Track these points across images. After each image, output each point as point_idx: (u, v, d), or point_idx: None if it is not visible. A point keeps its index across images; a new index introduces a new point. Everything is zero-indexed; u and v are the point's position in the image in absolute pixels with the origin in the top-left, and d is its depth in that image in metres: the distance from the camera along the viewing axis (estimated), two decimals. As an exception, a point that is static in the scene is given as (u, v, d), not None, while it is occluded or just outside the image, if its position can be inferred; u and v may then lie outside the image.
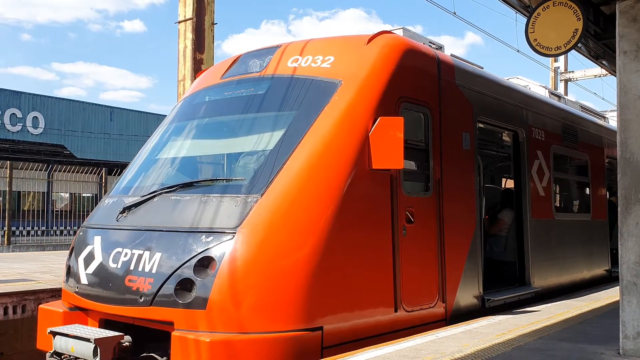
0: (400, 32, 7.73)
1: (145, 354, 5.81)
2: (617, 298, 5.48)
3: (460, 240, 7.55)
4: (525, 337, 6.15)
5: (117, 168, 30.53)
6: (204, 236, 5.61)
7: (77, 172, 27.98)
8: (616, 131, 5.50)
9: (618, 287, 5.41)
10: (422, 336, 6.18)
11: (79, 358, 5.71)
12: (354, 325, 5.85)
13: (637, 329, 5.19)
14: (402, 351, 5.46)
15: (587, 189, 12.09)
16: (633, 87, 5.36)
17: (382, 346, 5.68)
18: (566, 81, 30.38)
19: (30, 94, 33.12)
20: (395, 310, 6.29)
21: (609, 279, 12.14)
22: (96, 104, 36.84)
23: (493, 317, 7.47)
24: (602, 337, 6.15)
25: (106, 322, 6.14)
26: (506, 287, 8.82)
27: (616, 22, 5.54)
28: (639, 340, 5.18)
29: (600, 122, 13.39)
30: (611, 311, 7.82)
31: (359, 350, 5.55)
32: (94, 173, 26.18)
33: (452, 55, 8.47)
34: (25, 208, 30.48)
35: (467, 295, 7.56)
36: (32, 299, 8.82)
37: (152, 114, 39.29)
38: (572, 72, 30.38)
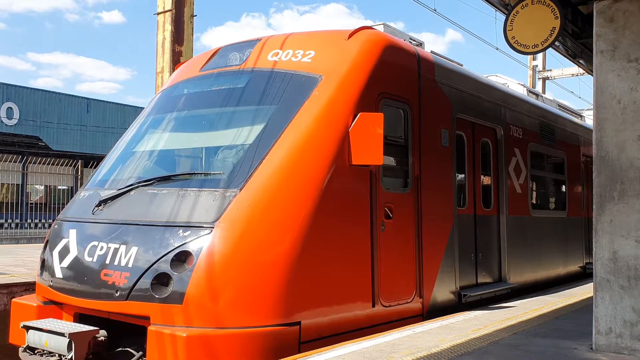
0: (381, 28, 7.73)
1: (120, 349, 5.75)
2: (591, 294, 5.57)
3: (437, 237, 7.60)
4: (500, 333, 6.22)
5: (93, 160, 30.15)
6: (181, 230, 5.56)
7: (53, 164, 27.53)
8: (592, 130, 5.57)
9: (592, 283, 5.50)
10: (399, 331, 6.22)
11: (52, 353, 5.64)
12: (332, 321, 5.86)
13: (609, 325, 5.28)
14: (379, 346, 5.48)
15: (564, 186, 12.26)
16: (609, 86, 5.44)
17: (359, 341, 5.70)
18: (544, 79, 30.74)
19: (4, 84, 32.43)
20: (373, 306, 6.32)
21: (584, 276, 12.35)
22: (72, 95, 36.22)
23: (469, 312, 7.54)
24: (575, 333, 6.25)
25: (81, 317, 6.06)
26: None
27: (593, 22, 5.60)
28: (611, 335, 5.27)
29: (577, 120, 13.58)
30: (585, 307, 7.95)
31: (336, 345, 5.56)
32: (70, 165, 25.82)
33: (432, 52, 8.51)
34: (-1, 200, 29.95)
35: (444, 290, 7.62)
36: (4, 292, 8.67)
37: (130, 106, 38.78)
38: (550, 70, 30.75)
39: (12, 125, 32.31)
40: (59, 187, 33.27)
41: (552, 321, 7.02)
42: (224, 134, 6.67)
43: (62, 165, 25.69)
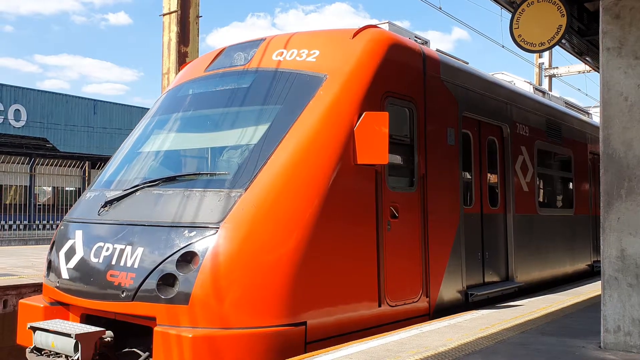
0: (386, 27, 7.71)
1: (127, 349, 5.76)
2: (599, 292, 5.53)
3: (444, 236, 7.57)
4: (508, 331, 6.19)
5: (100, 161, 30.27)
6: (186, 231, 5.56)
7: (60, 165, 27.69)
8: (599, 127, 5.53)
9: (600, 281, 5.46)
10: (407, 330, 6.20)
11: (59, 354, 5.65)
12: (338, 320, 5.84)
13: (618, 323, 5.24)
14: (386, 345, 5.46)
15: (571, 184, 12.20)
16: (616, 83, 5.40)
17: (366, 340, 5.68)
18: (550, 77, 30.62)
19: (11, 86, 32.59)
20: (379, 305, 6.30)
21: (591, 274, 12.28)
22: (79, 97, 36.36)
23: (477, 311, 7.51)
24: (583, 331, 6.21)
25: (88, 317, 6.07)
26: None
27: (600, 18, 5.57)
28: (619, 334, 5.23)
29: (584, 118, 13.50)
30: (593, 305, 7.91)
31: (342, 344, 5.55)
32: (77, 166, 25.90)
33: (437, 50, 8.47)
34: (7, 202, 30.09)
35: (450, 290, 7.59)
36: (14, 293, 8.71)
37: (136, 107, 38.91)
38: (557, 68, 30.63)
39: (19, 127, 32.48)
40: (67, 189, 33.39)
41: (559, 320, 6.98)
42: (229, 134, 6.67)
43: (69, 166, 25.78)
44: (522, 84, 11.42)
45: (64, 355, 5.62)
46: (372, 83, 6.54)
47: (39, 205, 31.30)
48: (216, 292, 5.25)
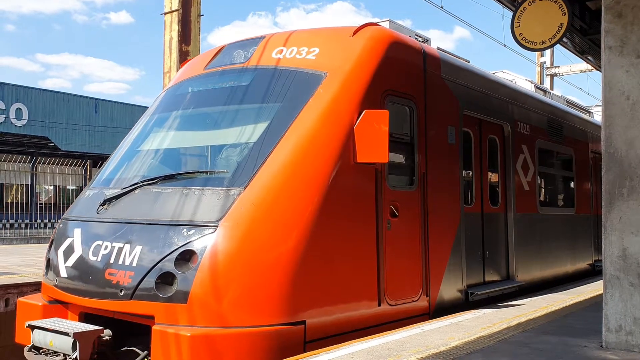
0: (386, 25, 7.68)
1: (126, 348, 5.74)
2: (600, 291, 5.51)
3: (444, 235, 7.54)
4: (509, 330, 6.17)
5: (101, 160, 30.26)
6: (185, 229, 5.54)
7: (62, 164, 27.70)
8: (601, 126, 5.50)
9: (601, 280, 5.43)
10: (408, 329, 6.17)
11: (57, 352, 5.63)
12: (337, 320, 5.82)
13: (619, 322, 5.21)
14: (387, 344, 5.44)
15: (572, 183, 12.16)
16: (617, 82, 5.37)
17: (367, 339, 5.66)
18: (552, 76, 30.58)
19: (13, 85, 32.65)
20: (379, 304, 6.27)
21: (592, 273, 12.24)
22: (81, 96, 36.42)
23: (478, 310, 7.48)
24: (585, 330, 6.18)
25: (86, 316, 6.05)
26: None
27: (602, 17, 5.54)
28: (621, 333, 5.21)
29: (586, 117, 13.45)
30: (594, 304, 7.87)
31: (343, 343, 5.52)
32: (79, 165, 25.95)
33: (438, 48, 8.43)
34: (9, 200, 30.12)
35: (450, 289, 7.56)
36: (15, 292, 8.72)
37: (138, 105, 38.93)
38: (558, 67, 30.60)
39: (21, 126, 32.52)
40: (68, 187, 33.45)
41: (561, 319, 6.95)
42: (228, 132, 6.64)
43: (70, 165, 25.84)
44: (523, 82, 11.38)
45: (62, 354, 5.60)
46: (372, 81, 6.50)
47: (40, 204, 31.34)
48: (215, 290, 5.22)
